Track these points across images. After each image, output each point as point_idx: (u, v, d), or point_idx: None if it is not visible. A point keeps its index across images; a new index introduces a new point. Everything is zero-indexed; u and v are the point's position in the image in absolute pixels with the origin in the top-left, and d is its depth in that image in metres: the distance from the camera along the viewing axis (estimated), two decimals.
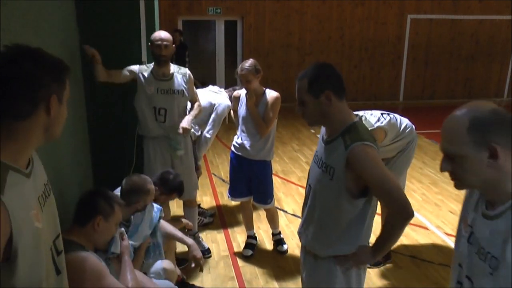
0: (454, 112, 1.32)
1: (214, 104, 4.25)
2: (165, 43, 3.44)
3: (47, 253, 1.33)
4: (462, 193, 1.66)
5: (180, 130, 3.49)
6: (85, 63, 3.47)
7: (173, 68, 3.63)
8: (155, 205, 2.93)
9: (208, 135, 4.26)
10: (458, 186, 1.38)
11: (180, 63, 9.55)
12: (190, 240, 3.08)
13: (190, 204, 3.96)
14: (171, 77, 3.57)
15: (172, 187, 3.16)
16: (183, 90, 3.60)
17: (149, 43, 3.51)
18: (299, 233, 2.24)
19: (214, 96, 4.34)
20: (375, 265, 3.78)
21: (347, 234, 2.03)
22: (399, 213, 1.87)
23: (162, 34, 3.48)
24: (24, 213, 1.19)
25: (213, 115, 4.25)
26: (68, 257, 1.64)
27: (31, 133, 1.27)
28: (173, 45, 3.55)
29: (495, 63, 12.00)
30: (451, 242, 4.11)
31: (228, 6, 10.50)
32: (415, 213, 4.36)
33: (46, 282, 1.29)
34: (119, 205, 2.24)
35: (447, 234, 4.37)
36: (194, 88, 3.77)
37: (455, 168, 1.32)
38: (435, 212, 4.86)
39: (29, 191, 1.26)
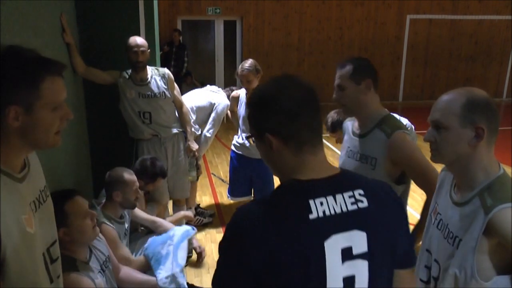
0: (454, 90, 1.45)
1: (214, 104, 4.25)
2: (141, 49, 3.38)
3: (39, 259, 1.30)
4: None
5: (193, 154, 3.82)
6: (85, 63, 3.47)
7: (151, 71, 3.58)
8: (185, 227, 2.91)
9: (208, 134, 4.26)
10: (434, 157, 1.49)
11: (179, 63, 9.58)
12: None
13: (179, 203, 4.02)
14: (149, 81, 3.54)
15: (154, 172, 3.14)
16: (164, 92, 3.57)
17: (125, 49, 3.42)
18: None
19: (213, 95, 4.34)
20: None
21: None
22: None
23: (138, 40, 3.40)
24: (13, 217, 1.17)
25: (213, 115, 4.25)
26: (63, 277, 1.59)
27: (6, 137, 1.22)
28: (148, 50, 3.50)
29: (494, 63, 12.01)
30: None
31: (228, 6, 10.49)
32: (414, 213, 4.37)
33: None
34: (76, 196, 2.08)
35: None
36: (176, 86, 3.75)
37: (438, 138, 1.43)
38: None
39: (20, 195, 1.23)
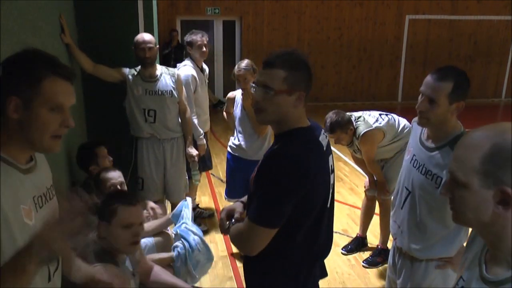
0: (479, 129, 1.04)
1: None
2: (149, 45, 3.41)
3: None
4: None
5: (193, 158, 3.77)
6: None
7: (161, 69, 3.61)
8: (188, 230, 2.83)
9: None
10: (454, 218, 1.10)
11: (178, 63, 9.52)
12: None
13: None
14: (158, 78, 3.56)
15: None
16: (171, 91, 3.58)
17: (133, 47, 3.45)
18: (395, 234, 2.27)
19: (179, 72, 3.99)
20: (373, 265, 3.78)
21: (448, 237, 2.06)
22: None
23: (145, 37, 3.43)
24: (11, 204, 1.20)
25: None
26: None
27: (7, 130, 1.27)
28: (157, 46, 3.53)
29: (493, 63, 12.02)
30: None
31: (227, 6, 10.49)
32: None
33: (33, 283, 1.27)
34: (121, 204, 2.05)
35: None
36: (184, 89, 3.75)
37: (456, 196, 1.06)
38: None
39: (22, 185, 1.26)
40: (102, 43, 3.54)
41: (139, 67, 3.54)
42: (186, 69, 4.04)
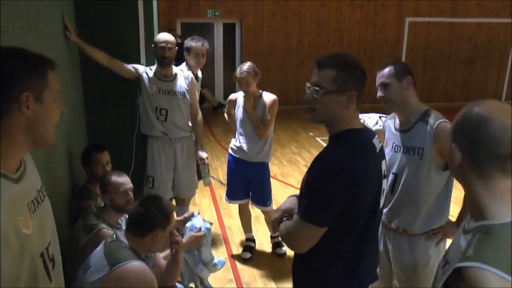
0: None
1: None
2: (169, 45, 3.48)
3: (37, 260, 1.29)
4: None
5: (204, 161, 3.77)
6: (84, 65, 3.47)
7: (176, 70, 3.65)
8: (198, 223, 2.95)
9: None
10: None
11: (179, 63, 9.50)
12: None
13: (183, 203, 4.00)
14: (173, 78, 3.59)
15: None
16: (185, 92, 3.62)
17: (153, 45, 3.52)
18: (387, 219, 2.41)
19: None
20: None
21: (438, 206, 2.28)
22: None
23: (166, 37, 3.51)
24: (9, 219, 1.16)
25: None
26: (129, 266, 1.97)
27: (10, 134, 1.23)
28: (176, 47, 3.57)
29: (493, 66, 12.02)
30: (448, 242, 4.11)
31: (227, 8, 10.50)
32: None
33: None
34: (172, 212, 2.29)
35: None
36: (196, 93, 3.77)
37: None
38: None
39: (16, 196, 1.22)
40: (102, 44, 3.53)
41: (155, 65, 3.58)
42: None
